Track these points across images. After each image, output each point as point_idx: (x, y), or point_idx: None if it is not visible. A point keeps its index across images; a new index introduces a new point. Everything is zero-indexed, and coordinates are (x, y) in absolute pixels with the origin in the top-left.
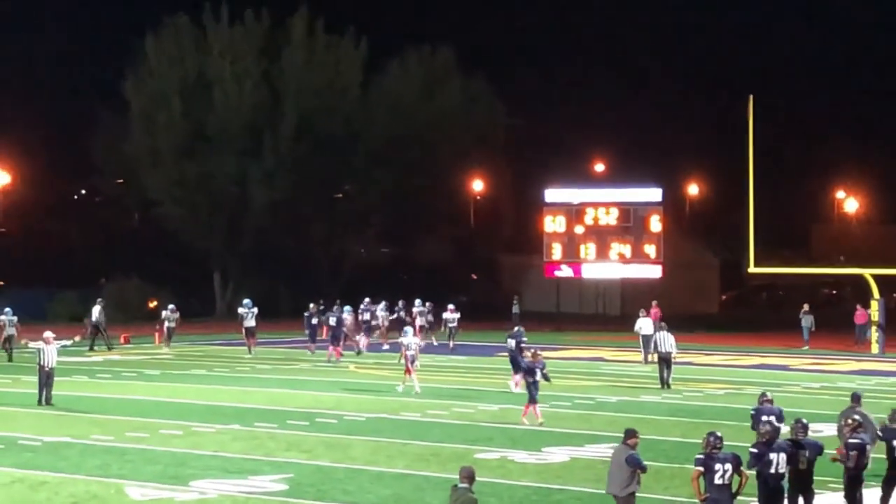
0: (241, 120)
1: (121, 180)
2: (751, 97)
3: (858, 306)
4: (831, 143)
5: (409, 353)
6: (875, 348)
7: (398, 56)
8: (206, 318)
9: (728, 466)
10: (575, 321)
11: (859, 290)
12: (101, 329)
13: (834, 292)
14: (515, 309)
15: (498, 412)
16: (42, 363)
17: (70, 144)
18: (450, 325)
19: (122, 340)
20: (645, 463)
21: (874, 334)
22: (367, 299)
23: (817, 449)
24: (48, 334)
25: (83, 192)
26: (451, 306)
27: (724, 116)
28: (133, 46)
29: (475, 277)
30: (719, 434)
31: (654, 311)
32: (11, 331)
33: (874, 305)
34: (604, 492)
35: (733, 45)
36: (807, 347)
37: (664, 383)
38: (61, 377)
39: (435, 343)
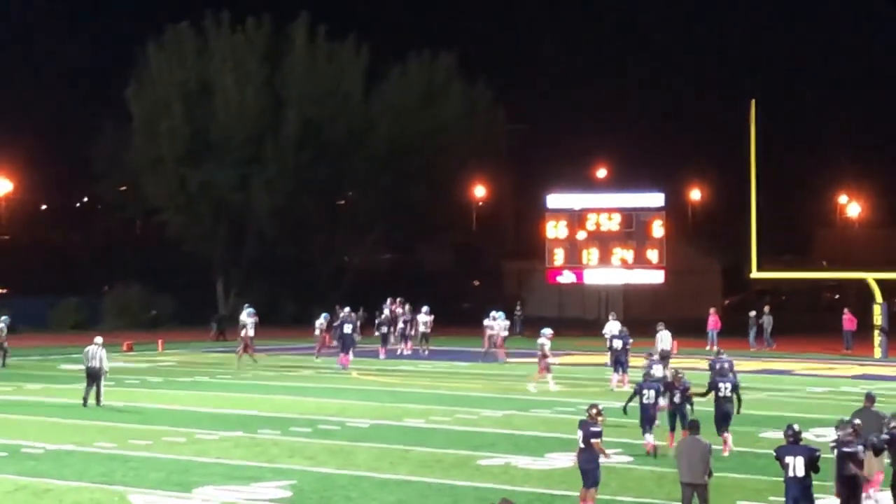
0: (243, 127)
1: (123, 187)
2: (753, 102)
3: (846, 311)
4: (834, 148)
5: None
6: (878, 353)
7: (399, 63)
8: (209, 324)
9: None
10: (578, 326)
11: (862, 295)
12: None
13: (836, 297)
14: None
15: (501, 418)
16: (89, 365)
17: (72, 152)
18: (422, 329)
19: (124, 348)
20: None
21: (877, 338)
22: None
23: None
24: (98, 339)
25: (85, 199)
26: (425, 308)
27: (727, 121)
28: (135, 54)
29: (477, 284)
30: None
31: (714, 318)
32: None
33: (877, 309)
34: (607, 496)
35: (735, 50)
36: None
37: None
38: (64, 384)
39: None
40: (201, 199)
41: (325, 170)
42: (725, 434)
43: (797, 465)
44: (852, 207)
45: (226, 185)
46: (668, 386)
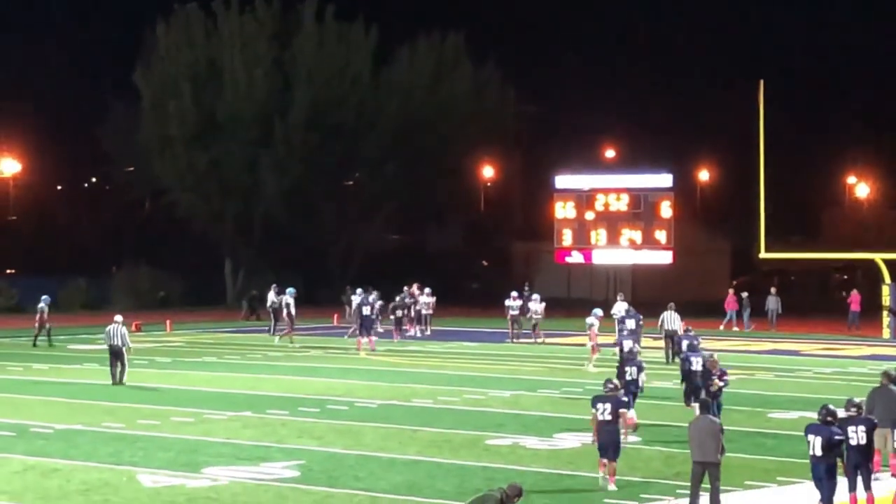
0: (252, 108)
1: (131, 168)
2: (761, 82)
3: (854, 291)
4: (842, 128)
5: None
6: (886, 333)
7: (408, 43)
8: (218, 305)
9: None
10: (586, 307)
11: (870, 275)
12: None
13: (845, 277)
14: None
15: (509, 398)
16: (111, 343)
17: (80, 133)
18: (423, 311)
19: (133, 328)
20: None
21: (885, 319)
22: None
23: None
24: (118, 317)
25: (94, 180)
26: (427, 290)
27: (735, 102)
28: (143, 34)
29: (486, 264)
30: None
31: (731, 298)
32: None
33: (885, 290)
34: (616, 477)
35: (744, 30)
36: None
37: (669, 359)
38: (72, 364)
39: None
40: (210, 179)
41: (333, 151)
42: (694, 405)
43: (816, 445)
44: (861, 188)
45: (234, 166)
46: (705, 372)
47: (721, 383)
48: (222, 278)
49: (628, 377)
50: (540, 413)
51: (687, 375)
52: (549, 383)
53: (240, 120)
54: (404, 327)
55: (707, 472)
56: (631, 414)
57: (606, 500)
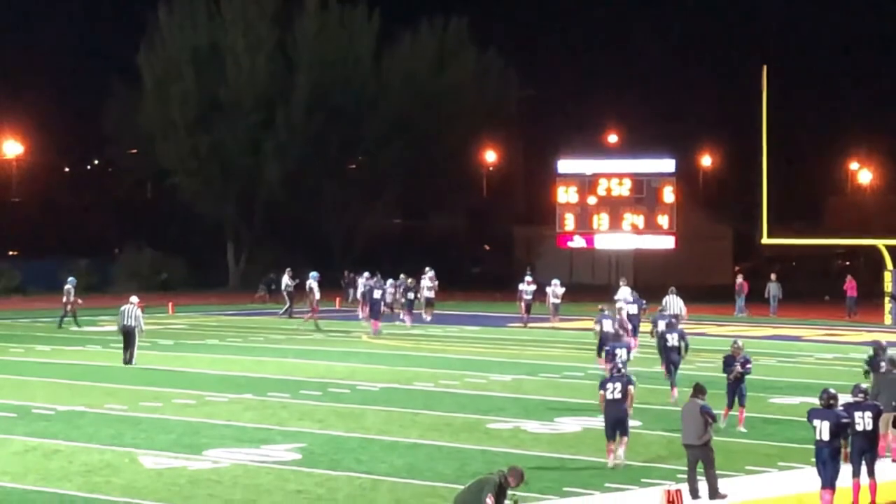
0: (254, 91)
1: (134, 150)
2: (764, 67)
3: (849, 277)
4: (845, 115)
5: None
6: (888, 319)
7: (411, 28)
8: (220, 288)
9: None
10: (588, 292)
11: (872, 261)
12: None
13: (847, 263)
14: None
15: (511, 382)
16: (124, 324)
17: (84, 115)
18: (426, 295)
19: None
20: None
21: (887, 305)
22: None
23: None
24: (133, 298)
25: (96, 162)
26: (430, 274)
27: (738, 87)
28: (146, 17)
29: (488, 248)
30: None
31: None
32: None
33: (888, 276)
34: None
35: (748, 15)
36: (774, 315)
37: None
38: (75, 346)
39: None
40: (212, 162)
41: (335, 134)
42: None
43: (823, 430)
44: (863, 174)
45: (237, 150)
46: (728, 359)
47: (742, 370)
48: (224, 261)
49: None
50: (541, 397)
51: (664, 351)
52: (550, 367)
53: (242, 103)
54: (398, 313)
55: (700, 455)
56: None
57: (608, 485)
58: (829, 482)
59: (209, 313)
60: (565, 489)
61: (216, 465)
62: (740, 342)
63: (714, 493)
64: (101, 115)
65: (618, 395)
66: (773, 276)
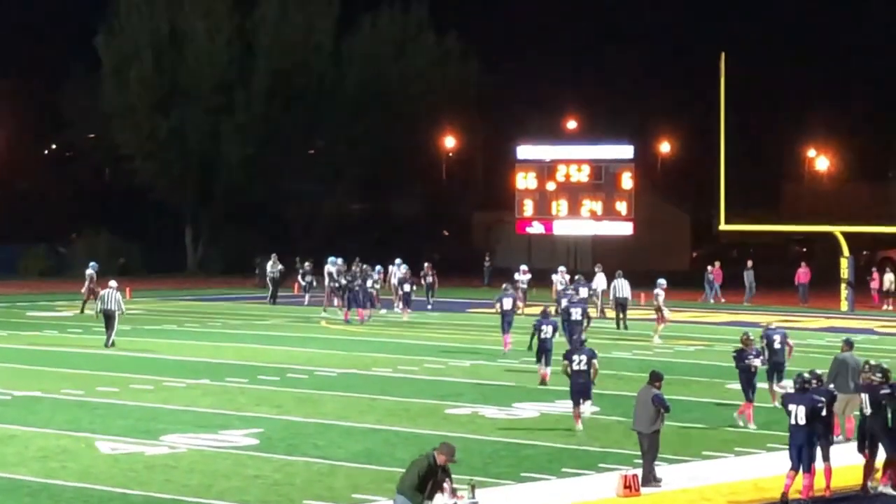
0: (214, 75)
1: (92, 135)
2: (723, 54)
3: (803, 264)
4: (802, 102)
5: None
6: (844, 305)
7: (371, 13)
8: (177, 273)
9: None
10: (546, 277)
11: (829, 248)
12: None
13: (804, 250)
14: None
15: (469, 368)
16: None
17: (42, 99)
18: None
19: (90, 296)
20: (668, 402)
21: (843, 291)
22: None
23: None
24: (112, 283)
25: (54, 147)
26: (397, 260)
27: (696, 74)
28: (105, 2)
29: (447, 234)
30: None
31: (717, 271)
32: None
33: (844, 263)
34: (574, 446)
35: (706, 3)
36: (746, 303)
37: (621, 324)
38: (31, 331)
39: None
40: (171, 147)
41: (295, 119)
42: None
43: (799, 414)
44: (820, 161)
45: (196, 134)
46: (741, 353)
47: (757, 362)
48: (183, 246)
49: (543, 335)
50: (499, 382)
51: (568, 326)
52: (509, 353)
53: (201, 87)
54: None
55: (647, 441)
56: (545, 370)
57: (565, 470)
58: (807, 466)
59: (167, 298)
60: (522, 474)
61: (173, 450)
62: (751, 334)
63: (647, 479)
64: (59, 99)
65: (584, 367)
66: (749, 264)
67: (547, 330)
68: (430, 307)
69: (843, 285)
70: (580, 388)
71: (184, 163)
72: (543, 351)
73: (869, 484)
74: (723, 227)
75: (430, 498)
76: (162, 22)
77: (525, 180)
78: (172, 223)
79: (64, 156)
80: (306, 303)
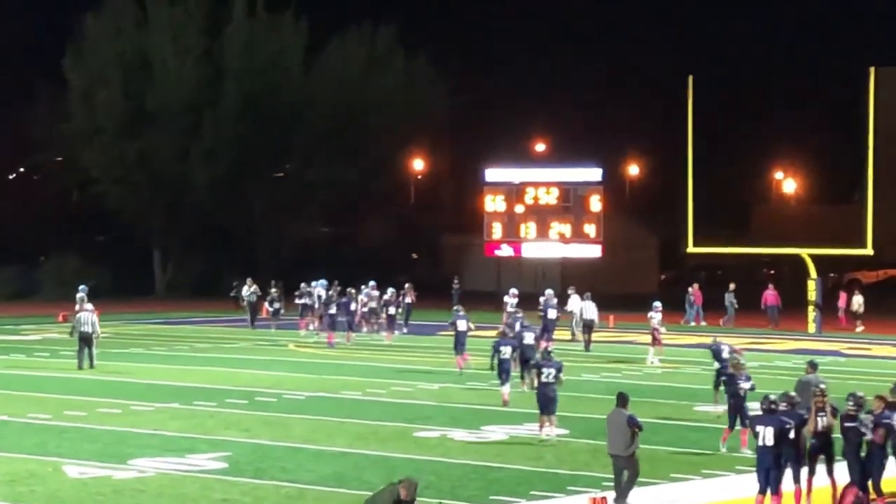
0: (182, 99)
1: (60, 158)
2: (690, 77)
3: (770, 286)
4: (770, 125)
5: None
6: (812, 327)
7: (339, 35)
8: (146, 296)
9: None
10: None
11: (797, 270)
12: None
13: (772, 272)
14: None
15: (437, 391)
16: (81, 330)
17: (8, 121)
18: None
19: (59, 318)
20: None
21: (811, 313)
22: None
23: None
24: (88, 305)
25: (21, 169)
26: (371, 283)
27: (664, 97)
28: (72, 24)
29: (416, 257)
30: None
31: (697, 292)
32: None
33: (811, 285)
34: (543, 468)
35: (673, 26)
36: (722, 324)
37: (587, 345)
38: None
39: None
40: (139, 169)
41: (264, 142)
42: (528, 374)
43: (767, 435)
44: (788, 184)
45: (164, 157)
46: (730, 378)
47: (747, 386)
48: (151, 269)
49: (502, 356)
50: (468, 405)
51: (522, 349)
52: (477, 376)
53: (170, 110)
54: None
55: (626, 465)
56: (504, 390)
57: (534, 493)
58: (774, 489)
59: (134, 322)
60: (491, 497)
61: (141, 474)
62: (741, 359)
63: (621, 501)
64: (26, 122)
65: (551, 379)
66: (731, 286)
67: (505, 350)
68: (405, 330)
69: (810, 307)
70: (548, 399)
71: (152, 186)
72: (503, 371)
73: None
74: (690, 249)
75: None
76: (130, 44)
77: (493, 203)
78: (141, 246)
79: (32, 178)
80: (273, 328)
